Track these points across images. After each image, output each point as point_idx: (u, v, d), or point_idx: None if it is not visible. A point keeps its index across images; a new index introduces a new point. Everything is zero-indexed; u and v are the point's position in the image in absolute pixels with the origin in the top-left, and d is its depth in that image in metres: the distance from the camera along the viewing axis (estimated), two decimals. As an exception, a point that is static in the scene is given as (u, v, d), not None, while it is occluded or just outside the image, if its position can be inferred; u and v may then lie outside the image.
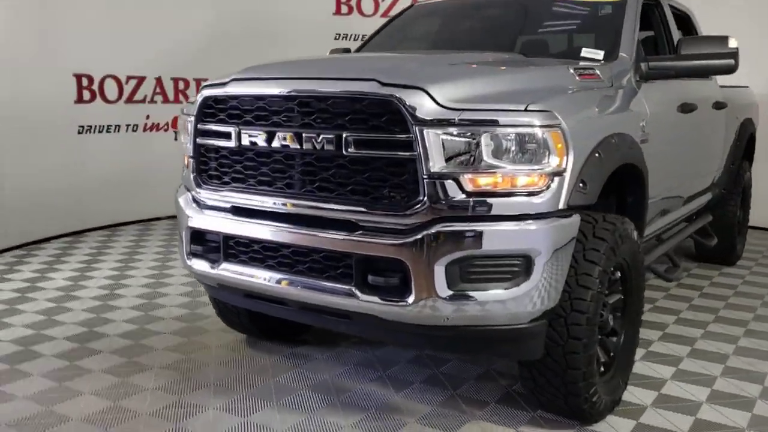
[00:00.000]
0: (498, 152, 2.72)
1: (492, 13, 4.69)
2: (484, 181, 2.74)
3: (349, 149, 2.83)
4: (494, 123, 2.72)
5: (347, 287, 2.88)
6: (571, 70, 3.35)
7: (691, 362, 3.96)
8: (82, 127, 7.21)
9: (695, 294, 5.33)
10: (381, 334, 3.23)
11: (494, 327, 2.83)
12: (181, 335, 4.30)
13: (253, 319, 3.99)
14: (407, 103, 2.70)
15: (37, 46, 6.66)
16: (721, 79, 5.13)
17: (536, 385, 3.12)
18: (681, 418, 3.29)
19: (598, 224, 3.09)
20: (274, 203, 3.07)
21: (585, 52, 3.74)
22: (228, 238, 3.23)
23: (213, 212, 3.30)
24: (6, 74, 6.36)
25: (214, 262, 3.29)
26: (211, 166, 3.32)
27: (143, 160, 7.66)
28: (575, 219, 2.92)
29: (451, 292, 2.72)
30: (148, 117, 7.80)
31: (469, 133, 2.70)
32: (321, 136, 2.88)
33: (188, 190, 3.45)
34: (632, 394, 3.51)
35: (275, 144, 3.01)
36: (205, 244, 3.34)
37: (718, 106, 5.21)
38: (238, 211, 3.21)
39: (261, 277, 3.12)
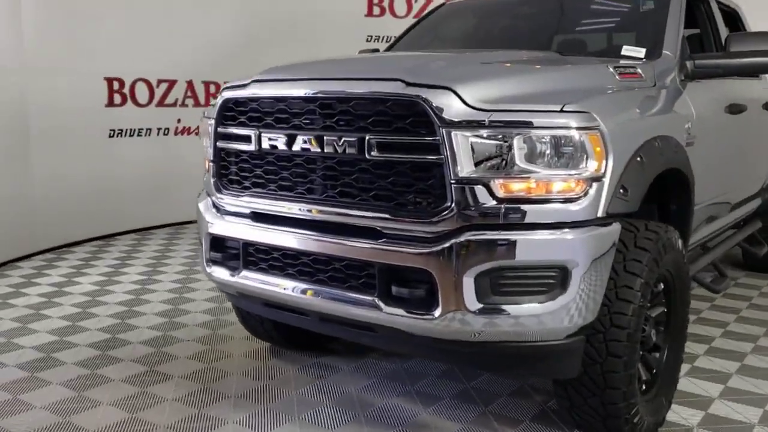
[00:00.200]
0: (532, 156, 2.54)
1: (527, 11, 4.50)
2: (517, 187, 2.56)
3: (372, 153, 2.67)
4: (528, 125, 2.54)
5: (370, 298, 2.72)
6: (611, 69, 3.15)
7: (741, 379, 3.71)
8: (113, 130, 7.21)
9: (743, 305, 5.05)
10: (406, 347, 3.07)
11: (527, 343, 2.65)
12: (204, 343, 4.20)
13: (277, 328, 3.87)
14: (434, 104, 2.53)
15: (67, 50, 6.67)
16: None
17: (572, 405, 2.92)
18: (730, 442, 3.06)
19: (639, 233, 2.89)
20: (295, 209, 2.93)
21: (626, 50, 3.53)
22: (248, 245, 3.10)
23: (233, 218, 3.18)
24: (37, 78, 6.37)
25: (233, 270, 3.16)
26: (232, 171, 3.20)
27: (174, 163, 7.62)
28: (615, 227, 2.72)
29: (480, 306, 2.54)
30: (179, 121, 7.78)
31: (500, 136, 2.53)
32: (343, 139, 2.74)
33: (209, 196, 3.33)
34: (677, 414, 3.29)
35: (296, 147, 2.88)
36: (225, 251, 3.22)
37: (768, 106, 4.94)
38: (258, 217, 3.08)
39: (280, 286, 2.98)
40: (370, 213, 2.72)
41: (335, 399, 3.46)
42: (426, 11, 5.22)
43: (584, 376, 2.78)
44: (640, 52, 3.51)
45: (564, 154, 2.56)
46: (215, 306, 4.89)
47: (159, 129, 7.63)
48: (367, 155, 2.69)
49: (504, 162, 2.54)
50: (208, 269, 3.27)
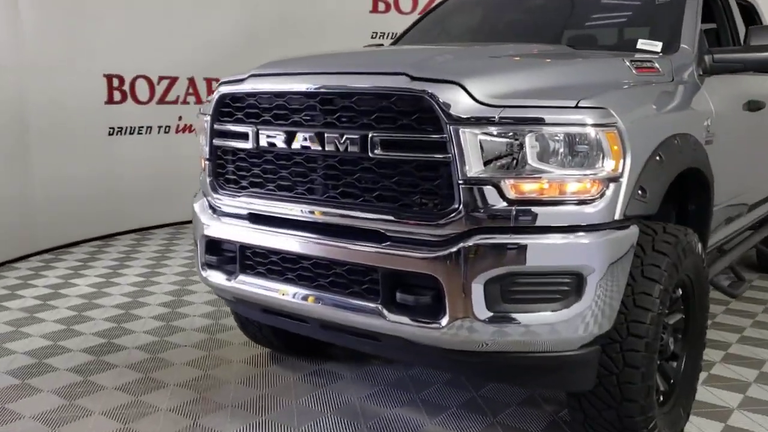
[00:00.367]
0: (544, 155, 2.38)
1: (536, 4, 4.34)
2: (529, 188, 2.40)
3: (375, 151, 2.52)
4: (540, 121, 2.38)
5: (373, 305, 2.57)
6: (627, 63, 2.99)
7: (760, 388, 3.55)
8: (113, 128, 7.07)
9: (759, 309, 4.88)
10: (410, 357, 2.93)
11: (539, 354, 2.50)
12: (201, 348, 4.05)
13: (277, 333, 3.72)
14: (440, 100, 2.38)
15: (66, 47, 6.53)
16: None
17: (586, 418, 2.76)
18: (752, 457, 2.90)
19: (657, 236, 2.74)
20: (294, 210, 2.78)
21: (641, 44, 3.37)
22: (245, 248, 2.95)
23: (230, 219, 3.03)
24: (35, 75, 6.24)
25: (230, 274, 3.02)
26: (228, 170, 3.05)
27: (175, 162, 7.47)
28: (633, 231, 2.56)
29: (490, 314, 2.39)
30: (180, 118, 7.64)
31: (511, 133, 2.37)
32: (345, 137, 2.58)
33: (205, 196, 3.19)
34: (695, 426, 3.13)
35: (295, 145, 2.73)
36: (221, 254, 3.08)
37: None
38: (256, 218, 2.93)
39: (279, 292, 2.83)
40: (373, 215, 2.57)
41: (337, 409, 3.31)
42: (432, 6, 5.07)
43: (599, 387, 2.63)
44: (657, 45, 3.35)
45: (579, 152, 2.41)
46: (214, 309, 4.75)
47: (160, 127, 7.49)
48: (370, 153, 2.54)
49: (515, 161, 2.38)
50: (203, 273, 3.12)
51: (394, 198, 2.54)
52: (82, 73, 6.69)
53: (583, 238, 2.41)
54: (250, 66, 3.00)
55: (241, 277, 2.97)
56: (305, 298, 2.76)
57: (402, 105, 2.47)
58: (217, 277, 3.07)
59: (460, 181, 2.38)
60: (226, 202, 3.03)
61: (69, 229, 6.65)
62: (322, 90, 2.65)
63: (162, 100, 7.45)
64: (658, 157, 2.67)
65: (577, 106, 2.42)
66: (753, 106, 3.98)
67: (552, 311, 2.41)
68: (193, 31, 7.49)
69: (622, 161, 2.47)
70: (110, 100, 7.00)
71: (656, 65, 3.13)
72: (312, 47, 7.42)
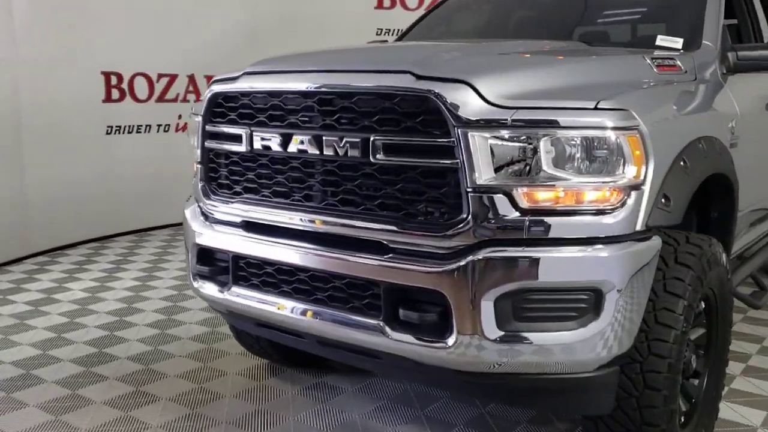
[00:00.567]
0: (560, 160, 2.20)
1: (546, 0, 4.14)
2: (543, 196, 2.21)
3: (377, 156, 2.33)
4: (556, 124, 2.20)
5: (375, 322, 2.39)
6: (648, 60, 2.79)
7: (785, 405, 3.35)
8: (111, 127, 6.90)
9: (779, 317, 4.68)
10: (414, 376, 2.75)
11: (553, 376, 2.31)
12: (196, 359, 3.88)
13: (274, 345, 3.54)
14: (448, 100, 2.19)
15: (62, 43, 6.35)
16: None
17: (603, 442, 2.57)
18: (781, 483, 2.71)
19: (680, 247, 2.55)
20: (290, 219, 2.60)
21: (661, 40, 3.17)
22: (238, 258, 2.77)
23: (222, 227, 2.85)
24: (30, 72, 6.07)
25: (223, 286, 2.84)
26: (221, 174, 2.87)
27: (175, 161, 7.25)
28: (655, 242, 2.37)
29: (501, 333, 2.20)
30: (180, 117, 7.46)
31: (524, 137, 2.19)
32: (344, 140, 2.40)
33: (197, 202, 3.01)
34: (718, 448, 2.94)
35: (291, 149, 2.54)
36: (213, 264, 2.90)
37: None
38: (250, 226, 2.75)
39: (274, 305, 2.65)
40: (375, 224, 2.39)
41: (337, 426, 3.13)
42: (438, 1, 4.87)
43: (618, 411, 2.44)
44: (677, 42, 3.14)
45: (598, 158, 2.22)
46: (212, 316, 4.57)
47: (159, 125, 7.32)
48: (371, 158, 2.35)
49: (528, 167, 2.20)
50: (194, 284, 2.94)
51: (398, 207, 2.35)
52: (79, 70, 6.52)
53: (601, 251, 2.22)
54: (250, 63, 2.82)
55: (235, 289, 2.79)
56: (302, 312, 2.58)
57: (406, 106, 2.29)
58: (209, 289, 2.89)
59: (469, 189, 2.19)
60: (219, 208, 2.85)
61: (65, 230, 6.49)
62: (320, 89, 2.46)
63: (161, 98, 7.27)
64: (682, 163, 2.48)
65: (596, 108, 2.23)
66: (777, 106, 3.77)
67: (568, 330, 2.22)
68: (194, 26, 7.30)
69: (644, 167, 2.28)
70: (108, 98, 6.83)
71: (678, 63, 2.93)
72: (315, 44, 7.25)
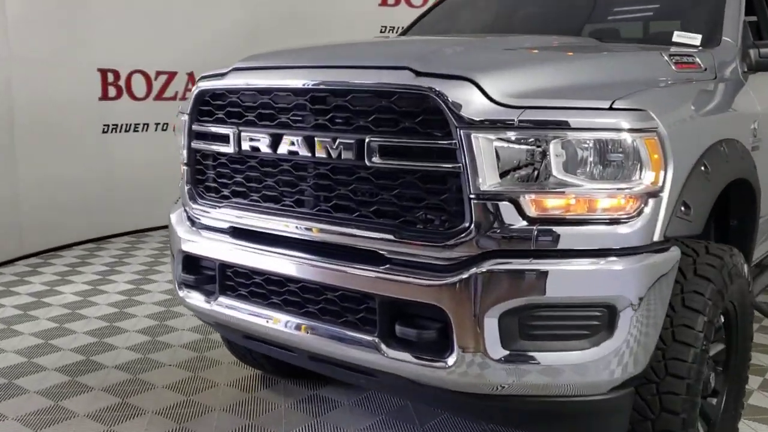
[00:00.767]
0: (571, 165, 2.02)
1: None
2: (552, 204, 2.04)
3: (373, 158, 2.16)
4: (567, 125, 2.02)
5: (369, 338, 2.21)
6: (666, 57, 2.61)
7: (806, 424, 3.16)
8: (107, 126, 6.75)
9: (796, 327, 4.49)
10: (411, 396, 2.57)
11: (562, 399, 2.13)
12: (187, 368, 3.71)
13: (267, 355, 3.34)
14: (449, 99, 2.02)
15: (57, 39, 6.19)
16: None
17: (616, 468, 2.39)
18: None
19: (700, 258, 2.37)
20: (280, 225, 2.43)
21: (678, 36, 2.99)
22: (225, 266, 2.60)
23: (209, 233, 2.68)
24: (23, 68, 5.90)
25: (209, 296, 2.67)
26: (209, 177, 2.71)
27: (173, 161, 7.07)
28: (674, 254, 2.19)
29: (506, 353, 2.03)
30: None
31: (532, 139, 2.01)
32: (338, 142, 2.22)
33: (183, 206, 2.84)
34: (737, 471, 2.75)
35: (281, 150, 2.37)
36: (200, 272, 2.73)
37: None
38: (238, 233, 2.58)
39: (262, 318, 2.48)
40: (370, 233, 2.21)
41: (331, 444, 2.96)
42: None
43: (632, 435, 2.26)
44: (695, 38, 2.96)
45: (613, 162, 2.04)
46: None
47: (157, 124, 7.16)
48: (367, 161, 2.17)
49: (536, 172, 2.02)
50: (180, 293, 2.77)
51: (395, 214, 2.18)
52: (75, 67, 6.36)
53: (616, 264, 2.05)
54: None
55: (221, 299, 2.61)
56: (292, 326, 2.40)
57: (404, 105, 2.11)
58: (195, 299, 2.72)
59: (472, 196, 2.02)
60: (206, 213, 2.68)
61: (59, 231, 6.33)
62: (312, 86, 2.29)
63: (160, 96, 7.11)
64: (703, 168, 2.30)
65: (611, 108, 2.05)
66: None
67: (579, 350, 2.04)
68: (194, 22, 7.13)
69: (663, 173, 2.10)
70: (105, 96, 6.67)
71: (697, 60, 2.75)
72: (318, 40, 7.11)
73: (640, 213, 2.07)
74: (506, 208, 2.02)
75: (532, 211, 2.02)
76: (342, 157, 2.23)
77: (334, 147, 2.23)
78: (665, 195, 2.11)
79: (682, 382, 2.21)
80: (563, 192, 2.03)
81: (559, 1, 3.95)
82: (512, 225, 2.02)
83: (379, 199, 2.21)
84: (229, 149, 2.53)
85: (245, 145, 2.47)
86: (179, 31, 7.03)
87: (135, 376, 3.62)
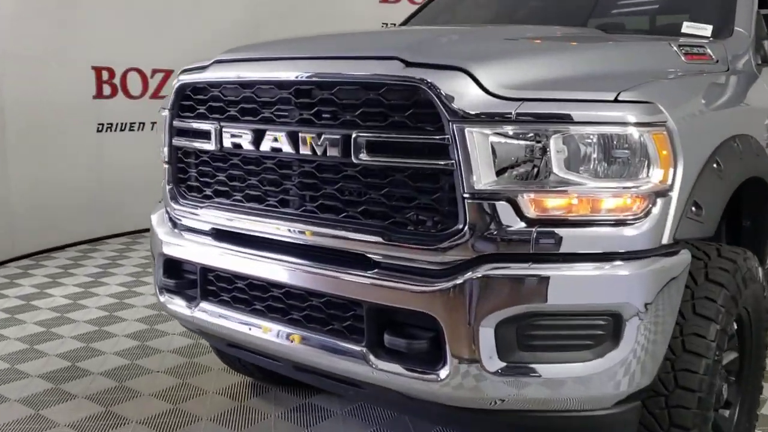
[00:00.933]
0: (574, 162, 1.87)
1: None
2: (553, 204, 1.89)
3: (360, 155, 2.01)
4: (568, 119, 1.87)
5: (357, 348, 2.07)
6: (675, 48, 2.45)
7: (823, 436, 3.00)
8: (102, 124, 6.61)
9: (810, 332, 4.30)
10: (401, 409, 2.42)
11: (563, 413, 1.98)
12: (175, 375, 3.57)
13: (257, 363, 3.22)
14: (442, 91, 1.87)
15: (50, 36, 6.05)
16: None
17: (622, 487, 2.24)
18: None
19: (711, 262, 2.22)
20: (264, 227, 2.29)
21: (687, 27, 2.84)
22: (207, 270, 2.46)
23: (191, 235, 2.54)
24: (15, 66, 5.77)
25: (191, 301, 2.52)
26: (190, 176, 2.56)
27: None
28: (684, 257, 2.04)
29: (503, 365, 1.88)
30: (175, 114, 7.15)
31: (531, 134, 1.86)
32: (323, 137, 2.08)
33: (165, 206, 2.70)
34: (751, 488, 2.59)
35: (264, 147, 2.23)
36: (181, 276, 2.59)
37: None
38: (221, 235, 2.44)
39: (245, 325, 2.33)
40: (357, 235, 2.07)
41: (322, 457, 2.82)
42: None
43: (639, 452, 2.11)
44: (706, 29, 2.81)
45: (618, 159, 1.89)
46: (197, 326, 4.26)
47: (153, 123, 6.99)
48: (354, 158, 2.03)
49: (536, 170, 1.87)
50: (161, 299, 2.63)
51: (384, 215, 2.04)
52: (68, 64, 6.22)
53: (622, 269, 1.90)
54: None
55: (203, 305, 2.47)
56: (275, 334, 2.26)
57: (393, 97, 1.97)
58: (176, 304, 2.57)
59: (466, 195, 1.87)
60: (187, 214, 2.54)
61: (52, 232, 6.20)
62: (296, 79, 2.14)
63: (156, 95, 6.96)
64: (715, 165, 2.15)
65: (616, 100, 1.90)
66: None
67: (582, 361, 1.90)
68: (190, 20, 7.00)
69: (672, 170, 1.95)
70: (99, 95, 6.54)
71: (708, 51, 2.60)
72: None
73: (647, 214, 1.92)
74: (503, 209, 1.87)
75: (531, 212, 1.88)
76: (328, 154, 2.08)
77: (319, 143, 2.09)
78: (675, 194, 1.96)
79: (693, 395, 2.06)
80: (565, 191, 1.88)
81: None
82: (510, 226, 1.87)
83: (367, 198, 2.06)
84: (210, 146, 2.39)
85: (227, 142, 2.33)
86: (176, 28, 6.89)
87: (121, 383, 3.48)
